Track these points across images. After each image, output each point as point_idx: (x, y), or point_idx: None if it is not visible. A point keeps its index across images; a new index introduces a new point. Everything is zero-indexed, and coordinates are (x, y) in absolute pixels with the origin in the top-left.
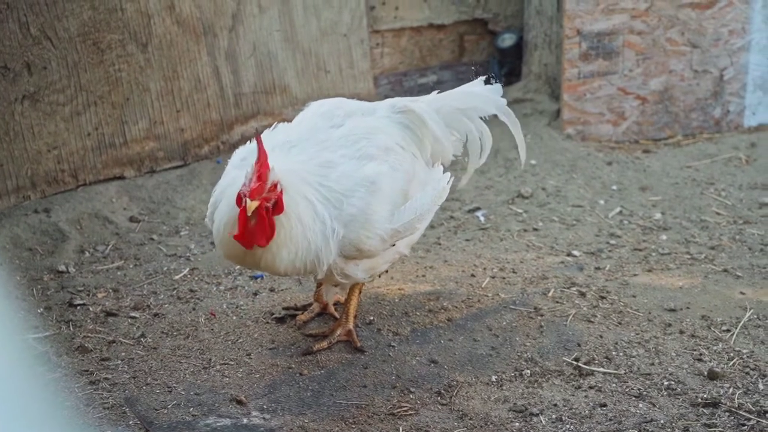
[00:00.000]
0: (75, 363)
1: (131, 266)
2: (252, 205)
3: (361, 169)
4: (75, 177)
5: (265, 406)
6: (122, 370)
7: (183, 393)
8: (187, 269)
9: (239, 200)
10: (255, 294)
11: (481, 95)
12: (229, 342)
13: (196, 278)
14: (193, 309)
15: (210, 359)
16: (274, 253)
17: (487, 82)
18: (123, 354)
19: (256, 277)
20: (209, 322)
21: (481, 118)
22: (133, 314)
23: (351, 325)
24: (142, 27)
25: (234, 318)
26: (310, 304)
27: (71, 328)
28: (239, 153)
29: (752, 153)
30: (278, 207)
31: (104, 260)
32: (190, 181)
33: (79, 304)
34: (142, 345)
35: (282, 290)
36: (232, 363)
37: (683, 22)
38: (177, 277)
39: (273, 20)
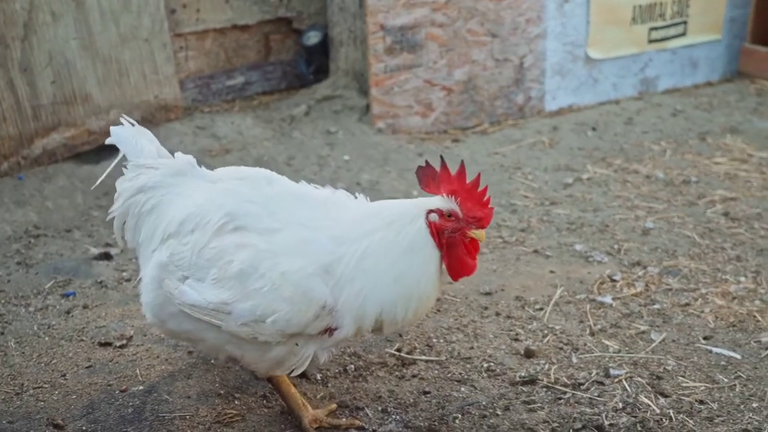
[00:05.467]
0: None
1: None
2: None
3: None
4: None
5: (84, 428)
6: None
7: None
8: None
9: (441, 239)
10: (68, 312)
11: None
12: (42, 364)
13: (3, 301)
14: (1, 333)
15: (22, 384)
16: None
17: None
18: None
19: (67, 295)
20: (20, 346)
21: None
22: None
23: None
24: None
25: (46, 339)
26: None
27: None
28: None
29: (554, 136)
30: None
31: None
32: None
33: None
34: None
35: (96, 306)
36: (47, 386)
37: (482, 12)
38: None
39: (69, 28)
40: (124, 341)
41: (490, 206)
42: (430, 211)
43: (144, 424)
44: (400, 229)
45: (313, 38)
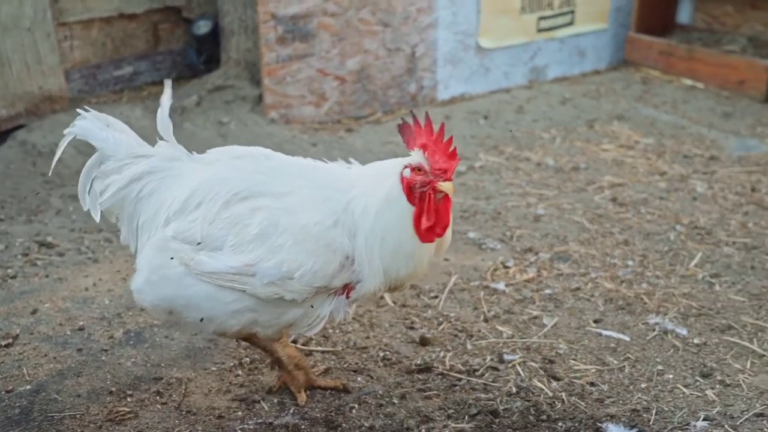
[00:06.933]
0: None
1: None
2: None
3: None
4: None
5: None
6: None
7: None
8: None
9: (412, 194)
10: None
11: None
12: None
13: None
14: None
15: None
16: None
17: None
18: None
19: None
20: None
21: None
22: None
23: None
24: None
25: None
26: None
27: None
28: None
29: (448, 125)
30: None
31: None
32: None
33: None
34: None
35: None
36: None
37: (373, 2)
38: None
39: None
40: (10, 340)
41: (456, 158)
42: (405, 167)
43: (32, 424)
44: (377, 184)
45: (203, 27)
